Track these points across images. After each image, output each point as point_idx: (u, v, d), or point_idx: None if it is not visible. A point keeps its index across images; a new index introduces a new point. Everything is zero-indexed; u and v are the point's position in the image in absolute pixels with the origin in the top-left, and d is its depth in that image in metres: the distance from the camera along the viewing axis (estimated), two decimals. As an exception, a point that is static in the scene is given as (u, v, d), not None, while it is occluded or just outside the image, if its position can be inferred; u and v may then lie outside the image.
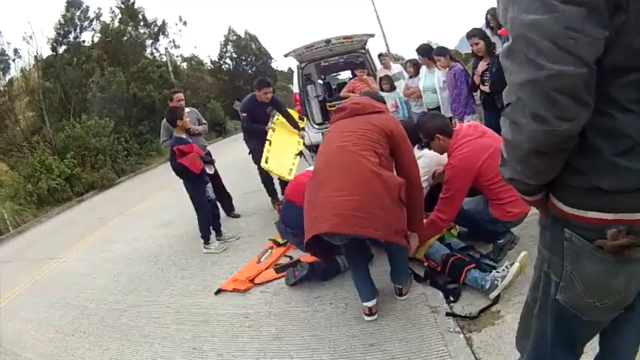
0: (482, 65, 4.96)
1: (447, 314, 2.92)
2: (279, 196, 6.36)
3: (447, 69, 5.82)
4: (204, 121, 6.61)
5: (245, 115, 6.06)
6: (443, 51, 5.88)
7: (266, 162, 5.75)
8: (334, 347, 2.88)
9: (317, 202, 2.82)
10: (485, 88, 5.16)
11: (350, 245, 3.03)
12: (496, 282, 2.94)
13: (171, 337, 3.53)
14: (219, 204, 6.01)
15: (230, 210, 6.58)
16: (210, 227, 5.40)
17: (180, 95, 6.27)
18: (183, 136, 5.12)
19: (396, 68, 8.73)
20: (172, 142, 5.10)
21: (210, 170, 5.46)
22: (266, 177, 6.24)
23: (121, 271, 5.49)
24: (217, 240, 5.42)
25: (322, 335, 3.04)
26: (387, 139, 2.94)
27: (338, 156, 2.89)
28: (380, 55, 9.42)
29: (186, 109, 5.88)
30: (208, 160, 5.50)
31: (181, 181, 5.27)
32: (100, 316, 4.25)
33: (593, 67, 1.01)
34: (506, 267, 3.01)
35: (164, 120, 5.72)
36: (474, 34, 5.29)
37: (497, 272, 2.99)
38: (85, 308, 4.55)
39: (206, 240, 5.31)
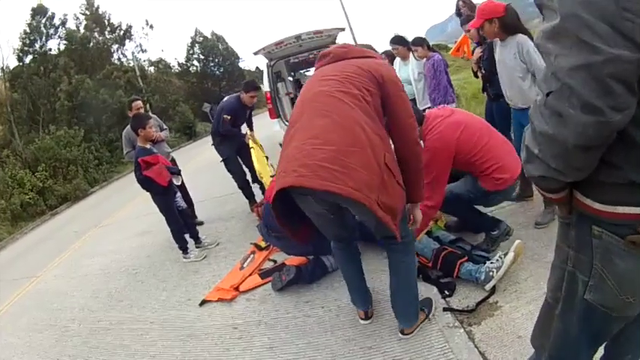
0: (477, 52, 4.88)
1: (445, 309, 2.84)
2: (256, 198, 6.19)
3: (425, 59, 5.76)
4: (165, 127, 6.35)
5: (229, 117, 5.84)
6: (420, 41, 5.80)
7: (261, 177, 5.64)
8: (332, 353, 2.77)
9: (285, 154, 2.36)
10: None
11: (340, 249, 2.84)
12: (491, 273, 2.89)
13: (159, 355, 3.37)
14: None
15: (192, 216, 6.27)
16: (187, 236, 5.22)
17: (139, 103, 6.04)
18: (147, 145, 4.88)
19: None
20: (136, 153, 4.85)
21: (177, 182, 5.20)
22: (243, 181, 6.12)
23: (101, 286, 5.29)
24: (197, 247, 5.26)
25: (317, 342, 2.93)
26: (377, 85, 2.40)
27: (314, 102, 2.41)
28: None
29: (154, 115, 5.70)
30: (175, 170, 5.25)
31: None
32: (84, 337, 4.07)
33: None
34: (499, 257, 2.97)
35: (125, 129, 5.50)
36: (468, 20, 5.07)
37: (492, 263, 2.94)
38: (67, 329, 4.35)
39: (184, 250, 5.14)
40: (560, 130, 1.01)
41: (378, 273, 3.43)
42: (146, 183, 4.79)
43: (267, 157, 6.28)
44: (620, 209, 1.11)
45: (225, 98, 6.20)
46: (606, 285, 1.21)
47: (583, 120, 0.96)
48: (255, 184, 6.24)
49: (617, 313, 1.27)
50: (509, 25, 3.47)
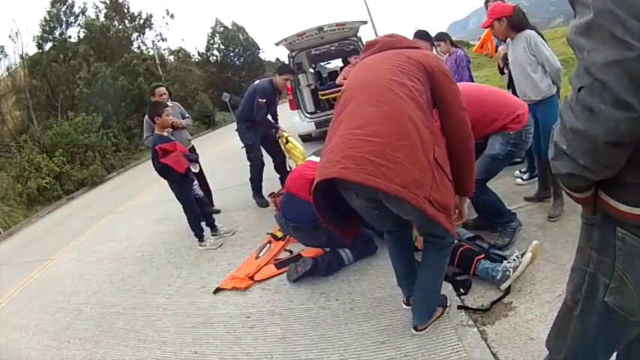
0: (502, 49, 4.85)
1: (459, 307, 2.82)
2: (264, 194, 6.18)
3: (447, 54, 5.71)
4: (187, 115, 6.36)
5: (264, 100, 5.72)
6: (443, 36, 5.75)
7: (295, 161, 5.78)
8: (344, 346, 2.76)
9: (329, 145, 2.28)
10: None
11: (390, 239, 2.76)
12: (508, 272, 2.86)
13: (170, 342, 3.39)
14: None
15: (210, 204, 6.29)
16: (204, 224, 5.24)
17: (163, 89, 6.04)
18: (165, 133, 4.91)
19: None
20: (153, 140, 4.88)
21: (195, 169, 5.23)
22: (258, 172, 6.08)
23: (115, 271, 5.34)
24: (213, 236, 5.28)
25: (330, 334, 2.92)
26: (427, 76, 2.33)
27: (364, 90, 2.32)
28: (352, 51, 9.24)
29: (169, 104, 5.70)
30: (193, 158, 5.27)
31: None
32: (96, 321, 4.11)
33: None
34: (516, 257, 2.94)
35: (146, 116, 5.49)
36: None
37: (509, 262, 2.90)
38: (79, 312, 4.41)
39: (200, 238, 5.16)
40: (592, 125, 0.99)
41: (385, 267, 3.43)
42: (163, 170, 4.81)
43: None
44: None
45: (257, 82, 6.10)
46: (627, 288, 1.19)
47: (615, 116, 0.94)
48: (277, 175, 6.23)
49: (636, 317, 1.25)
50: (517, 23, 3.64)
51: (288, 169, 6.07)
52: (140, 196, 10.03)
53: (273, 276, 3.93)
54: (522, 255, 2.93)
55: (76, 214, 11.03)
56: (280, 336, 3.06)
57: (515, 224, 3.49)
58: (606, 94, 0.94)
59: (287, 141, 6.02)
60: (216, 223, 5.42)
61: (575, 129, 1.04)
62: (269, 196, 5.85)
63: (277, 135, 6.04)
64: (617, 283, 1.21)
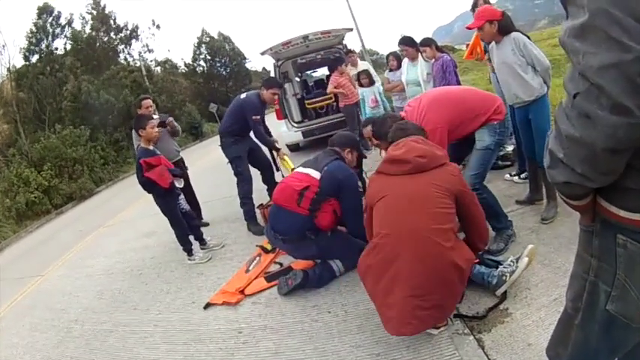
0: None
1: (455, 316, 2.78)
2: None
3: (433, 60, 5.72)
4: (177, 127, 6.20)
5: (258, 117, 5.45)
6: (428, 41, 5.76)
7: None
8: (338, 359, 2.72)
9: (393, 300, 2.53)
10: None
11: None
12: (504, 277, 2.83)
13: (162, 359, 3.33)
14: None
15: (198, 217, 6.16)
16: (192, 238, 5.17)
17: (149, 102, 5.94)
18: (150, 147, 4.82)
19: (363, 65, 8.57)
20: (138, 153, 4.79)
21: (179, 184, 5.10)
22: (247, 189, 5.70)
23: (105, 287, 5.26)
24: (202, 249, 5.21)
25: (324, 348, 2.87)
26: (454, 200, 2.68)
27: (413, 243, 2.54)
28: (347, 53, 9.22)
29: (156, 116, 5.63)
30: (177, 172, 5.12)
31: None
32: (86, 339, 4.03)
33: None
34: (511, 262, 2.91)
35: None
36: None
37: (505, 267, 2.88)
38: (70, 330, 4.32)
39: (189, 252, 5.08)
40: (589, 132, 0.96)
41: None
42: (148, 185, 4.74)
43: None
44: None
45: (243, 96, 5.75)
46: (629, 295, 1.17)
47: (613, 121, 0.91)
48: (264, 187, 6.04)
49: (637, 324, 1.22)
50: (504, 27, 3.71)
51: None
52: (129, 209, 9.95)
53: (264, 289, 3.88)
54: (518, 259, 2.90)
55: (65, 228, 10.92)
56: (273, 351, 3.00)
57: (511, 232, 3.51)
58: (603, 99, 0.91)
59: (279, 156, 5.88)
60: (205, 236, 5.35)
61: (572, 136, 1.01)
62: (257, 207, 5.74)
63: (277, 155, 5.87)
64: (619, 291, 1.18)
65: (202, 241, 5.29)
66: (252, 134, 5.68)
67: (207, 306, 3.89)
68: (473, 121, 3.45)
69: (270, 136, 5.92)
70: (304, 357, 2.84)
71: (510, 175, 4.87)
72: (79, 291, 5.44)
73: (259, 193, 6.01)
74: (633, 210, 1.09)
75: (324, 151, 3.96)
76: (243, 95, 5.76)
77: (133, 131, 5.49)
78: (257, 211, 5.73)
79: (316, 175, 3.65)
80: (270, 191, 5.87)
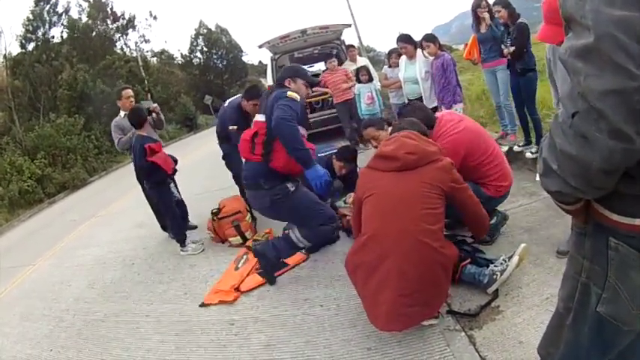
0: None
1: (447, 312, 2.80)
2: None
3: (432, 57, 5.74)
4: (162, 117, 5.89)
5: (235, 127, 5.11)
6: (433, 38, 5.77)
7: None
8: (330, 353, 2.73)
9: (382, 298, 2.54)
10: (512, 49, 5.10)
11: None
12: (495, 276, 2.85)
13: (154, 350, 3.32)
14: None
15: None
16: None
17: (129, 92, 5.82)
18: (153, 135, 4.85)
19: (361, 61, 8.57)
20: (141, 139, 4.76)
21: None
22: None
23: (97, 277, 5.24)
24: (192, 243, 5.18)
25: (316, 341, 2.88)
26: (444, 195, 2.69)
27: (402, 244, 2.55)
28: (349, 47, 9.21)
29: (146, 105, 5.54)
30: (176, 159, 5.14)
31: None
32: (78, 328, 4.02)
33: None
34: (503, 260, 2.92)
35: (114, 120, 5.46)
36: (496, 2, 5.30)
37: (496, 266, 2.89)
38: (61, 320, 4.30)
39: (182, 243, 5.07)
40: (585, 152, 0.96)
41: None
42: (148, 170, 4.73)
43: None
44: None
45: (227, 103, 5.57)
46: (620, 298, 1.18)
47: (610, 145, 0.91)
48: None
49: (629, 326, 1.23)
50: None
51: None
52: (122, 199, 9.91)
53: (259, 285, 3.86)
54: (509, 258, 2.91)
55: (58, 217, 10.86)
56: (265, 343, 3.01)
57: (496, 221, 3.52)
58: (602, 123, 0.90)
59: None
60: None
61: (567, 152, 1.01)
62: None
63: None
64: (609, 293, 1.19)
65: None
66: None
67: (203, 306, 3.81)
68: (478, 171, 3.46)
69: None
70: (296, 350, 2.85)
71: (519, 146, 5.28)
72: (70, 281, 5.43)
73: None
74: (627, 214, 1.09)
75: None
76: (226, 102, 5.62)
77: (113, 123, 5.60)
78: None
79: (263, 118, 3.60)
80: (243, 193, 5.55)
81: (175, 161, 5.11)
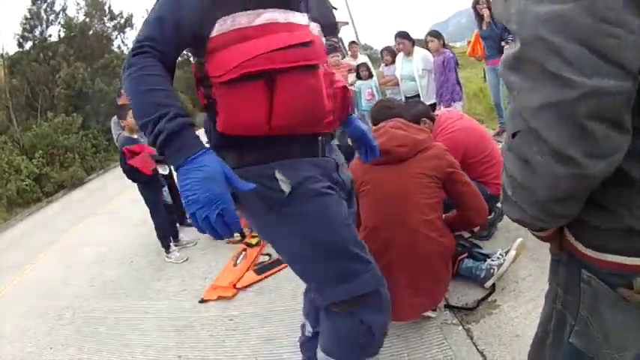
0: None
1: (445, 306, 2.82)
2: None
3: (435, 53, 5.77)
4: None
5: None
6: (438, 34, 5.80)
7: None
8: (329, 347, 2.73)
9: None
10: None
11: None
12: (492, 270, 2.86)
13: (154, 346, 3.33)
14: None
15: (183, 217, 5.96)
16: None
17: None
18: (135, 135, 4.82)
19: (362, 58, 8.60)
20: (121, 142, 4.80)
21: (164, 170, 4.97)
22: None
23: (96, 275, 5.26)
24: (175, 245, 5.13)
25: (314, 335, 2.89)
26: (441, 182, 2.65)
27: (402, 237, 2.54)
28: (351, 43, 9.24)
29: None
30: (160, 158, 4.82)
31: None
32: (77, 326, 4.03)
33: (638, 78, 0.71)
34: (500, 255, 2.94)
35: (114, 117, 5.44)
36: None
37: (493, 261, 2.91)
38: (61, 317, 4.32)
39: (167, 248, 5.00)
40: (528, 179, 0.83)
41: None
42: (131, 172, 4.73)
43: None
44: (613, 258, 0.92)
45: None
46: (591, 333, 1.06)
47: (553, 170, 0.77)
48: None
49: (602, 358, 1.10)
50: None
51: None
52: (120, 197, 9.89)
53: (256, 282, 3.87)
54: (506, 253, 2.93)
55: (56, 216, 10.86)
56: (264, 338, 3.03)
57: (493, 216, 3.54)
58: (542, 144, 0.76)
59: None
60: (179, 234, 5.35)
61: (514, 178, 0.87)
62: None
63: None
64: (581, 326, 1.07)
65: (176, 238, 5.25)
66: None
67: (202, 302, 3.83)
68: (477, 170, 3.45)
69: None
70: (295, 344, 2.84)
71: None
72: (69, 278, 5.44)
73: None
74: (599, 249, 0.95)
75: None
76: None
77: (112, 122, 5.56)
78: None
79: None
80: None
81: (160, 160, 4.87)
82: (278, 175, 1.59)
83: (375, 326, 1.75)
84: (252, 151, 1.63)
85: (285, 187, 1.59)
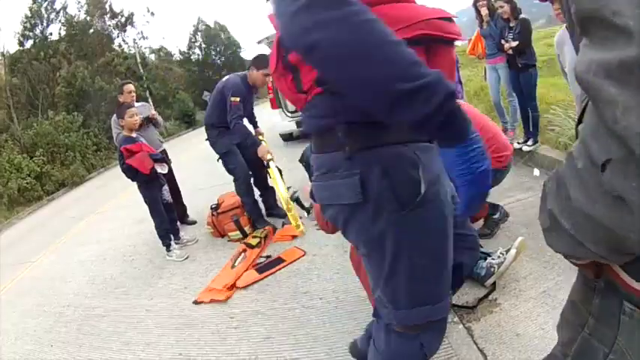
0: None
1: (446, 305, 2.81)
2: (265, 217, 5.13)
3: None
4: (160, 121, 5.96)
5: (237, 99, 4.52)
6: None
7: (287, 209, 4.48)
8: (330, 345, 2.74)
9: None
10: (514, 43, 5.19)
11: None
12: (492, 269, 2.86)
13: (154, 344, 3.34)
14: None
15: (183, 216, 6.03)
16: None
17: (131, 87, 5.73)
18: (134, 134, 4.81)
19: None
20: (120, 141, 4.78)
21: (163, 170, 4.93)
22: (245, 189, 4.94)
23: (97, 272, 5.26)
24: (176, 244, 5.12)
25: (316, 333, 2.90)
26: None
27: None
28: None
29: (138, 104, 5.53)
30: (158, 157, 4.92)
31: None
32: (78, 324, 4.03)
33: None
34: (500, 253, 2.94)
35: (114, 115, 5.35)
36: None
37: (493, 259, 2.91)
38: (61, 315, 4.32)
39: (167, 247, 4.99)
40: (620, 219, 0.63)
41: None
42: (129, 172, 4.72)
43: (280, 170, 4.78)
44: None
45: (226, 78, 4.94)
46: None
47: None
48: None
49: None
50: None
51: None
52: (120, 196, 9.89)
53: (257, 281, 3.86)
54: (507, 251, 2.93)
55: (57, 214, 10.85)
56: (265, 336, 3.03)
57: (499, 216, 3.55)
58: None
59: (267, 165, 4.72)
60: (180, 233, 5.34)
61: (589, 215, 0.68)
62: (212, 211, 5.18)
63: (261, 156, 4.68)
64: (617, 356, 0.99)
65: (177, 236, 5.24)
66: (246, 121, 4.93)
67: (196, 303, 3.80)
68: None
69: (257, 127, 5.42)
70: (295, 342, 2.87)
71: (519, 143, 5.28)
72: (70, 276, 5.44)
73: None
74: None
75: None
76: (225, 77, 5.01)
77: (112, 120, 5.52)
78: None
79: None
80: (263, 197, 5.34)
81: (159, 159, 4.94)
82: (420, 165, 1.29)
83: (430, 353, 1.63)
84: (390, 126, 1.23)
85: (423, 184, 1.28)
